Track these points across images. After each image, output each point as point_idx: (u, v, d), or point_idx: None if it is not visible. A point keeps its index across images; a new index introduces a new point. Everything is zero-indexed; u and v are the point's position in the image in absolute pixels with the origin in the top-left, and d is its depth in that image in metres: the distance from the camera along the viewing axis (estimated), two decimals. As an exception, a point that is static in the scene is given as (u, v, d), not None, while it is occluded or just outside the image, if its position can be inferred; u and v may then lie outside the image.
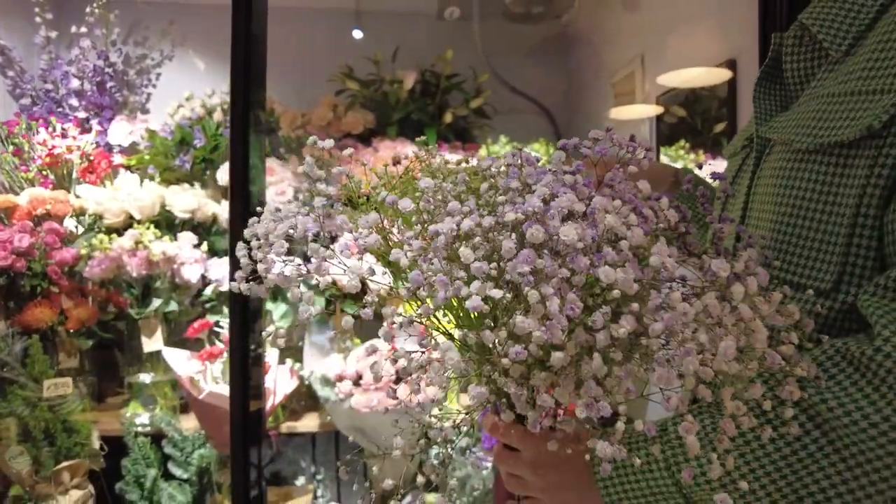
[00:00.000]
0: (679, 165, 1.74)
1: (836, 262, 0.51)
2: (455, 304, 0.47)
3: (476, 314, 0.47)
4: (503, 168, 0.49)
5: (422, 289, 0.44)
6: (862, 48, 0.53)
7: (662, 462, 0.50)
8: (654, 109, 1.82)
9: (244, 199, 1.00)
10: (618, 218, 0.42)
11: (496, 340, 0.43)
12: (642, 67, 1.91)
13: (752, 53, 1.29)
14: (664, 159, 1.77)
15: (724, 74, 1.42)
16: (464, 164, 0.56)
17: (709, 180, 0.69)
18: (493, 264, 0.42)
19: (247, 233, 0.55)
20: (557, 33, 2.48)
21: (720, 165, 1.48)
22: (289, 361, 1.68)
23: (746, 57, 1.35)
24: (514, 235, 0.42)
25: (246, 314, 0.99)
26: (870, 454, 0.44)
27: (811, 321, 0.49)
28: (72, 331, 1.67)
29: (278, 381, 1.57)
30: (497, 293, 0.41)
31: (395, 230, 0.52)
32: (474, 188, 0.49)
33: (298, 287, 0.53)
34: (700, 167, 0.98)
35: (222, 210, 1.88)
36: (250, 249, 0.53)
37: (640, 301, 0.41)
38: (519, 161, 0.48)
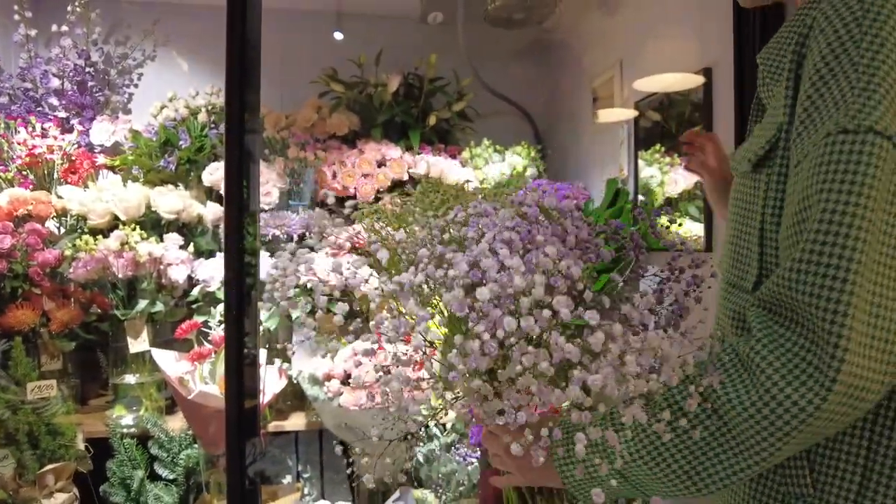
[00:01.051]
0: (654, 169, 1.81)
1: (755, 266, 0.62)
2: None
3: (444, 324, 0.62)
4: (467, 216, 0.63)
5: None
6: (781, 86, 0.61)
7: (600, 450, 0.62)
8: (631, 113, 1.88)
9: (240, 201, 1.01)
10: (523, 281, 0.54)
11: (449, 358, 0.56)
12: (621, 72, 1.97)
13: (727, 63, 1.35)
14: (641, 163, 1.83)
15: (699, 80, 1.49)
16: (431, 218, 0.69)
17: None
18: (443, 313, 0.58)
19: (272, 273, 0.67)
20: (539, 38, 2.54)
21: (696, 169, 1.54)
22: (277, 361, 1.70)
23: (721, 66, 1.41)
24: (458, 283, 0.56)
25: (241, 314, 1.01)
26: (746, 434, 0.54)
27: (690, 356, 0.58)
28: (54, 333, 1.66)
29: (267, 381, 1.58)
30: (436, 335, 0.57)
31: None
32: (442, 237, 0.63)
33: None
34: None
35: (208, 211, 1.88)
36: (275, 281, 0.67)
37: (545, 343, 0.55)
38: (479, 210, 0.63)
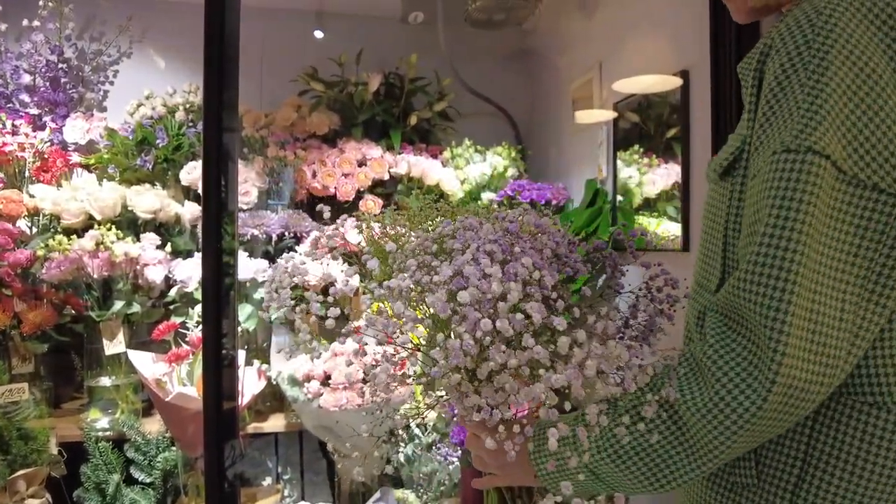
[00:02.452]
0: (633, 169, 1.83)
1: (718, 269, 0.65)
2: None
3: (430, 326, 0.65)
4: (455, 229, 0.68)
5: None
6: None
7: (570, 444, 0.65)
8: (610, 115, 1.90)
9: (218, 200, 1.00)
10: (499, 285, 0.59)
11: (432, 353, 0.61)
12: (600, 74, 1.99)
13: (704, 66, 1.37)
14: (619, 164, 1.85)
15: (677, 82, 1.51)
16: (414, 232, 0.74)
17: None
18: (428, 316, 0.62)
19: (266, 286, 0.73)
20: (519, 40, 2.55)
21: (673, 169, 1.57)
22: (256, 362, 1.68)
23: (698, 69, 1.44)
24: (443, 290, 0.61)
25: (220, 314, 1.00)
26: (699, 434, 0.57)
27: (650, 366, 0.62)
28: (26, 335, 1.62)
29: (246, 382, 1.57)
30: (420, 332, 0.62)
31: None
32: (431, 248, 0.67)
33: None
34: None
35: (185, 210, 1.86)
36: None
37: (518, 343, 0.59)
38: (464, 225, 0.68)
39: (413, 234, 0.72)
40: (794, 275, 0.53)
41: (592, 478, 0.65)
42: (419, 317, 0.61)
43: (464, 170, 2.16)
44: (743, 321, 0.56)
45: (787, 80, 0.56)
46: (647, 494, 0.64)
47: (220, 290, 1.01)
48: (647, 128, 1.71)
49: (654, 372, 0.61)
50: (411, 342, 0.63)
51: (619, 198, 1.85)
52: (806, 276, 0.53)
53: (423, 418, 0.75)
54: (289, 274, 0.71)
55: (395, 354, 0.65)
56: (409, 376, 0.68)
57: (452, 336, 0.59)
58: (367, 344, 0.66)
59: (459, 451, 1.57)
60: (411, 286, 0.62)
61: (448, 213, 0.77)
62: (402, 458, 1.66)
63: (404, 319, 0.60)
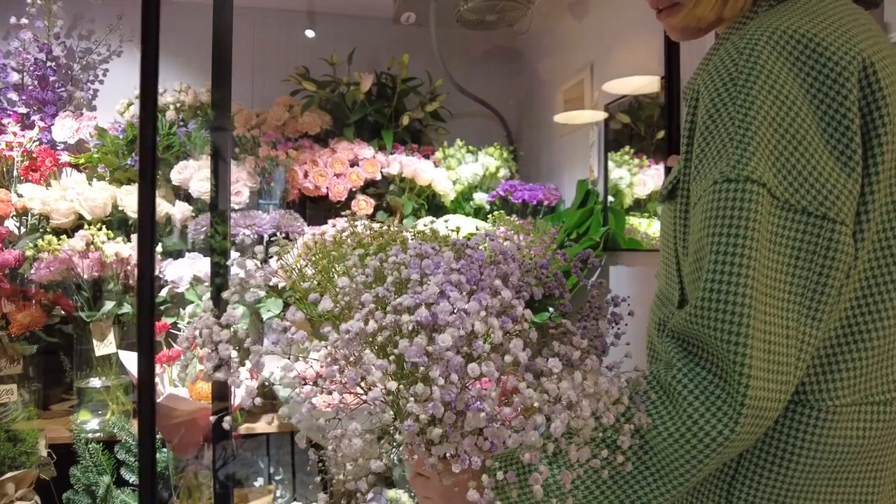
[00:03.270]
0: (624, 170, 1.85)
1: (676, 284, 0.67)
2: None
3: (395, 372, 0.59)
4: (407, 258, 0.62)
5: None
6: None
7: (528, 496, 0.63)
8: (601, 116, 1.91)
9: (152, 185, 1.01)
10: (483, 325, 0.54)
11: (405, 403, 0.55)
12: (591, 75, 2.00)
13: (692, 67, 1.39)
14: (610, 164, 1.87)
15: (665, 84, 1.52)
16: (371, 259, 0.66)
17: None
18: (392, 355, 0.55)
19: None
20: (510, 41, 2.56)
21: (663, 170, 1.58)
22: (248, 363, 1.67)
23: (686, 70, 1.45)
24: (409, 332, 0.55)
25: (152, 315, 1.01)
26: (670, 459, 0.58)
27: (643, 379, 0.63)
28: (14, 336, 1.61)
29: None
30: (393, 385, 0.55)
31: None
32: (382, 277, 0.61)
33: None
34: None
35: (176, 210, 1.85)
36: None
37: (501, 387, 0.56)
38: (419, 252, 0.62)
39: (351, 265, 0.64)
40: (748, 298, 0.55)
41: None
42: (383, 362, 0.55)
43: (456, 170, 2.17)
44: (704, 347, 0.58)
45: (718, 114, 0.59)
46: None
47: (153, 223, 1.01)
48: (638, 129, 1.73)
49: (627, 401, 0.61)
50: (381, 393, 0.57)
51: (610, 198, 1.86)
52: (757, 300, 0.55)
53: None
54: (219, 325, 0.63)
55: (355, 406, 0.59)
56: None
57: (422, 383, 0.53)
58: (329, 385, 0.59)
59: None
60: (375, 330, 0.55)
61: (383, 241, 0.70)
62: (394, 458, 1.66)
63: (367, 367, 0.53)
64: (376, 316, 0.56)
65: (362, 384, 0.59)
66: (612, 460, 0.60)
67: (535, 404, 0.54)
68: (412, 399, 0.53)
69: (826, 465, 0.61)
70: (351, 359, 0.56)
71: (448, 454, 0.57)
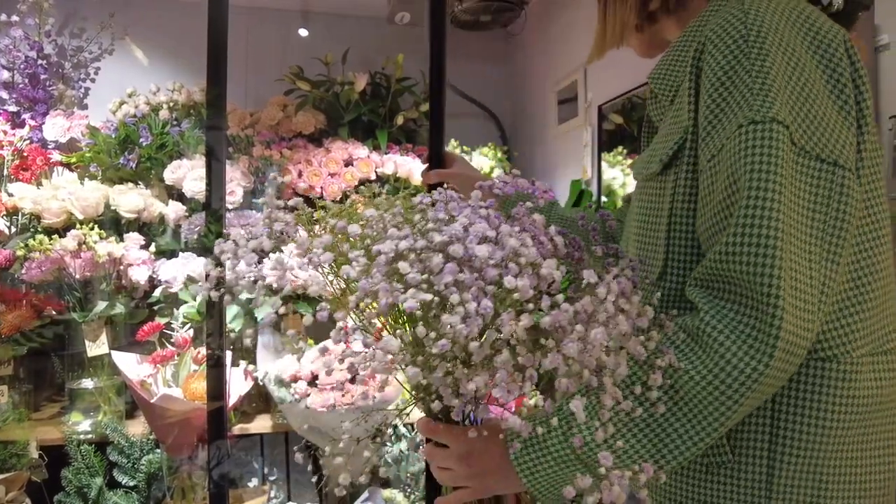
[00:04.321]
0: (617, 171, 1.85)
1: (660, 258, 0.69)
2: (394, 309, 0.56)
3: (410, 317, 0.56)
4: (432, 203, 0.62)
5: (367, 296, 0.53)
6: (679, 98, 0.69)
7: (560, 432, 0.61)
8: (594, 116, 1.92)
9: None
10: (518, 241, 0.54)
11: (427, 338, 0.52)
12: (585, 76, 2.01)
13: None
14: (604, 165, 1.88)
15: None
16: (399, 200, 0.65)
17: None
18: (425, 275, 0.52)
19: (217, 250, 0.63)
20: (505, 41, 2.57)
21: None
22: (242, 363, 1.67)
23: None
24: (441, 255, 0.53)
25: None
26: (703, 404, 0.58)
27: (670, 322, 0.62)
28: (5, 336, 1.59)
29: (233, 383, 1.56)
30: (428, 297, 0.51)
31: (345, 247, 0.60)
32: (409, 218, 0.60)
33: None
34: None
35: (169, 210, 1.84)
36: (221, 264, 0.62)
37: (534, 302, 0.53)
38: (445, 198, 0.62)
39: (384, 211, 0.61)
40: (780, 232, 0.56)
41: (584, 469, 0.62)
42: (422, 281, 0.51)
43: (450, 170, 2.17)
44: (734, 288, 0.58)
45: (734, 70, 0.61)
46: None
47: None
48: (631, 129, 1.74)
49: (656, 336, 0.60)
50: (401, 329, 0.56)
51: (604, 198, 1.87)
52: (785, 238, 0.56)
53: (408, 415, 0.69)
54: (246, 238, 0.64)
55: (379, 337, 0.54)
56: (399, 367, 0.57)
57: (449, 311, 0.50)
58: (355, 340, 0.59)
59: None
60: (408, 248, 0.53)
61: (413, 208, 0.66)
62: (388, 458, 1.66)
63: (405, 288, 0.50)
64: (408, 240, 0.54)
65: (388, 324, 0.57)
66: (645, 400, 0.59)
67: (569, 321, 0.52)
68: (447, 315, 0.49)
69: (855, 420, 0.63)
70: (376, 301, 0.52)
71: (476, 391, 0.53)
